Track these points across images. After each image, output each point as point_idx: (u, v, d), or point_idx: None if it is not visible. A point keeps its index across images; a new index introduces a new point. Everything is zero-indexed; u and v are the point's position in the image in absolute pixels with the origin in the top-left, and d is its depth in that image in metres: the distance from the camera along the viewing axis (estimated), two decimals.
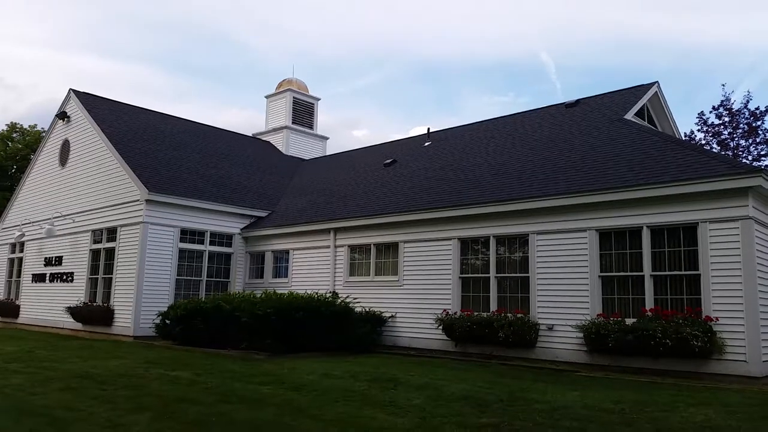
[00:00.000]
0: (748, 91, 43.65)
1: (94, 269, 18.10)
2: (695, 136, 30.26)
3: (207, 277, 17.93)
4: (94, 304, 17.43)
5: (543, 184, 13.22)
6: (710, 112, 30.25)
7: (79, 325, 17.80)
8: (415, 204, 15.25)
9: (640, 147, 12.92)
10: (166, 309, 15.30)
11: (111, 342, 15.43)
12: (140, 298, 16.14)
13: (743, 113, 29.32)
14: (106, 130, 18.92)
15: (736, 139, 29.48)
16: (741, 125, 29.40)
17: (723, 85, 51.37)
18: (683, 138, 22.15)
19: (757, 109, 29.03)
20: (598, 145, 14.15)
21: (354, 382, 9.13)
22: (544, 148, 15.42)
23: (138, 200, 16.80)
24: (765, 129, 28.89)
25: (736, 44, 54.03)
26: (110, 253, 17.57)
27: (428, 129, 21.83)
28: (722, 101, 29.87)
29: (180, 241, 17.32)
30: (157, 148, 19.76)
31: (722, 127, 29.87)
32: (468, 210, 13.69)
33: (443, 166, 17.39)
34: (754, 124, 29.02)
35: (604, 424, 6.45)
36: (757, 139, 29.00)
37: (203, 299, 15.39)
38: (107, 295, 17.29)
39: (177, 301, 15.68)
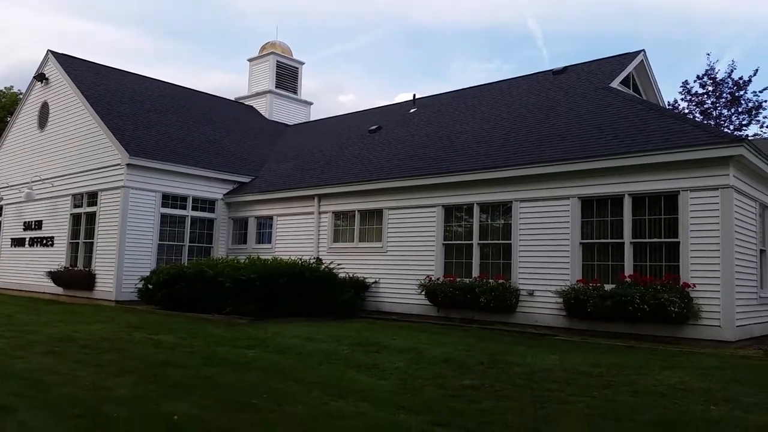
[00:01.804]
0: (732, 61, 44.06)
1: (74, 233, 17.94)
2: (679, 105, 30.39)
3: (189, 242, 17.86)
4: (75, 268, 17.33)
5: (528, 151, 13.25)
6: (694, 81, 30.38)
7: (60, 290, 17.71)
8: (399, 171, 15.21)
9: (625, 115, 12.95)
10: (148, 274, 15.25)
11: (93, 306, 15.40)
12: (122, 263, 16.06)
13: (726, 83, 29.43)
14: (86, 92, 18.55)
15: (719, 108, 29.66)
16: (724, 95, 29.54)
17: (708, 54, 51.40)
18: (667, 107, 22.21)
19: (740, 78, 29.15)
20: (584, 112, 14.15)
21: (338, 345, 9.23)
22: (530, 116, 15.40)
23: (119, 164, 16.58)
24: (747, 99, 29.08)
25: (723, 13, 53.95)
26: (91, 217, 17.39)
27: (414, 95, 21.66)
28: (706, 70, 29.96)
29: (162, 206, 17.18)
30: (138, 111, 19.43)
31: (705, 96, 30.00)
32: (452, 177, 13.70)
33: (428, 133, 17.32)
34: (736, 94, 29.17)
35: (582, 386, 6.60)
36: (740, 109, 29.20)
37: (186, 264, 15.36)
38: (88, 260, 17.18)
39: (159, 266, 15.64)
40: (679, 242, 10.51)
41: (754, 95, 28.88)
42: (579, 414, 5.46)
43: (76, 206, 18.10)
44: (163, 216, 17.22)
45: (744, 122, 29.10)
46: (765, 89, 28.73)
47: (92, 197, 17.50)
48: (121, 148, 16.47)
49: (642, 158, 10.98)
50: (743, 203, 10.80)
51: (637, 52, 17.11)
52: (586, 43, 70.37)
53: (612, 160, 11.36)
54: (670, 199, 10.80)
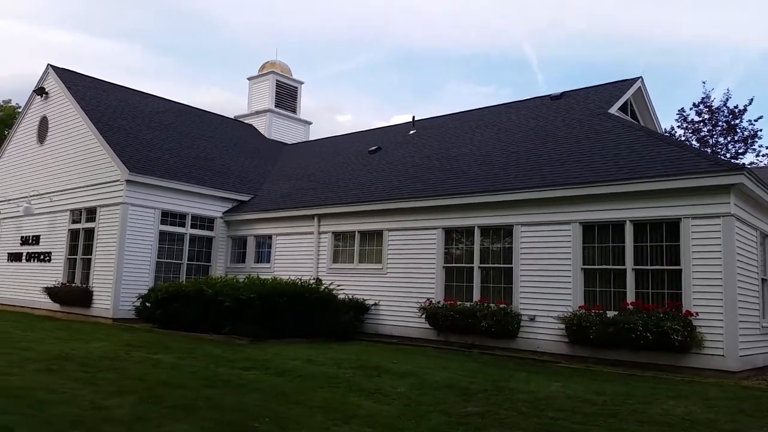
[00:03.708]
0: (728, 89, 44.36)
1: (72, 249, 17.81)
2: (675, 132, 30.65)
3: (188, 260, 17.75)
4: (73, 285, 17.17)
5: (528, 175, 13.29)
6: (690, 108, 30.68)
7: (56, 306, 17.52)
8: (399, 192, 15.22)
9: (625, 141, 13.03)
10: (146, 291, 15.14)
11: (90, 324, 15.24)
12: (120, 280, 15.93)
13: (722, 111, 29.74)
14: (85, 107, 18.54)
15: (715, 136, 29.92)
16: (720, 123, 29.83)
17: (704, 82, 52.11)
18: (664, 134, 22.38)
19: (735, 107, 29.48)
20: (583, 138, 14.23)
21: (338, 368, 9.14)
22: (530, 140, 15.47)
23: (118, 180, 16.53)
24: (743, 127, 29.37)
25: (716, 41, 54.76)
26: (89, 233, 17.29)
27: (413, 117, 21.76)
28: (702, 98, 30.31)
29: (161, 224, 17.11)
30: (137, 127, 19.43)
31: (702, 124, 30.28)
32: (453, 200, 13.71)
33: (428, 155, 17.37)
34: (732, 122, 29.46)
35: (587, 416, 6.54)
36: (735, 137, 29.47)
37: (184, 282, 15.27)
38: (86, 276, 17.04)
39: (158, 284, 15.53)
40: (681, 270, 10.51)
41: (750, 124, 29.22)
42: None
43: (74, 222, 18.00)
44: (162, 233, 17.14)
45: (740, 150, 29.39)
46: (760, 118, 29.08)
47: (91, 213, 17.42)
48: (121, 164, 16.43)
49: (644, 185, 11.01)
50: (744, 231, 10.84)
51: (635, 79, 17.25)
52: (581, 69, 71.17)
53: (614, 186, 11.40)
54: (672, 226, 10.82)
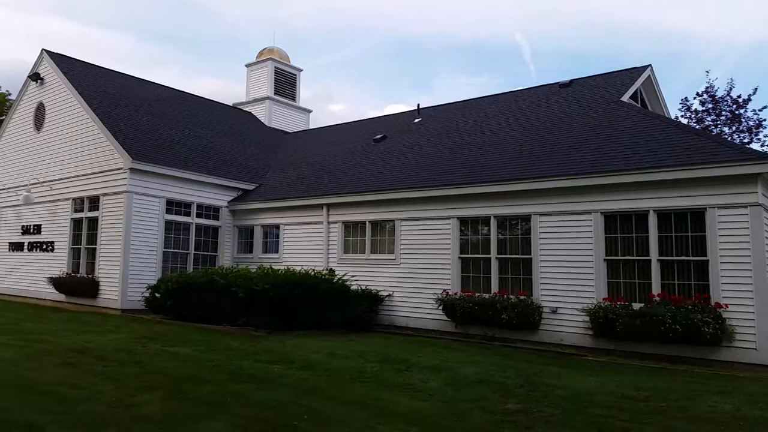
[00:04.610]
0: (731, 79, 44.01)
1: (76, 239, 17.39)
2: (679, 121, 30.44)
3: (194, 250, 17.38)
4: (78, 275, 16.76)
5: (544, 164, 13.03)
6: (694, 98, 30.41)
7: (62, 297, 17.13)
8: (410, 181, 14.92)
9: (643, 130, 12.79)
10: (154, 282, 14.86)
11: (98, 314, 14.88)
12: (127, 270, 15.56)
13: (726, 101, 29.49)
14: (83, 93, 18.03)
15: (719, 126, 29.70)
16: (724, 112, 29.60)
17: (707, 72, 51.58)
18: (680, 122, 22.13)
19: (739, 96, 29.24)
20: (598, 126, 13.97)
21: (364, 362, 8.91)
22: (541, 128, 15.19)
23: (121, 168, 16.12)
24: (747, 117, 29.13)
25: (706, 33, 54.52)
26: (93, 222, 16.88)
27: (418, 105, 21.41)
28: (706, 88, 29.99)
29: (166, 213, 16.73)
30: (137, 114, 18.96)
31: (705, 113, 30.04)
32: (467, 189, 13.43)
33: (437, 144, 17.07)
34: (737, 112, 29.23)
35: (633, 412, 6.35)
36: (740, 127, 29.24)
37: (192, 273, 14.95)
38: (91, 266, 16.64)
39: (167, 275, 15.22)
40: (708, 260, 10.29)
41: (754, 113, 28.98)
42: None
43: (77, 211, 17.56)
44: (168, 222, 16.76)
45: (745, 140, 29.14)
46: (764, 108, 28.83)
47: (94, 202, 17.01)
48: (124, 152, 16.03)
49: (667, 173, 10.77)
50: None
51: (644, 67, 16.98)
52: (572, 61, 70.71)
53: (635, 174, 11.15)
54: (697, 216, 10.60)
